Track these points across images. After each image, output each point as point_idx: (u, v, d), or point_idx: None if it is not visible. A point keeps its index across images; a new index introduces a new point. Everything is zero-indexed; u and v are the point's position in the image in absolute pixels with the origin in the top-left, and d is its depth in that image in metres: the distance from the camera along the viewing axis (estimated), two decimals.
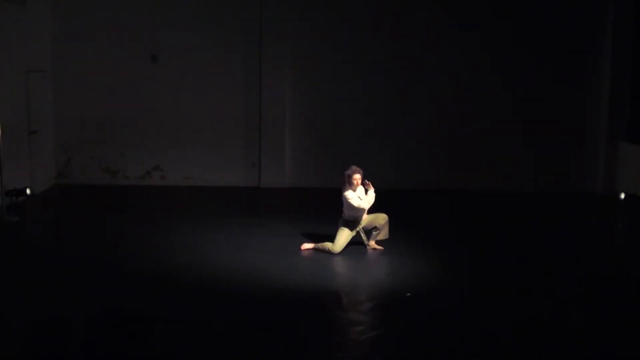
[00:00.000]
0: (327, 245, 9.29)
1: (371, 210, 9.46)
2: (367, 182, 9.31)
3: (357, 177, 9.22)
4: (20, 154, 12.08)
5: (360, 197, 9.27)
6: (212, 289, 7.89)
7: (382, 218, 9.41)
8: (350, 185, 9.23)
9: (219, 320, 6.99)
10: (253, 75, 13.71)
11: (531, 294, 7.86)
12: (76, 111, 13.75)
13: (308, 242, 9.51)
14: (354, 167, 9.30)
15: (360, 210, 9.26)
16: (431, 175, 13.74)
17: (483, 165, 13.75)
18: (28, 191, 11.51)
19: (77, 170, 13.95)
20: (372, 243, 9.49)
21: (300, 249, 9.38)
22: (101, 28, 13.59)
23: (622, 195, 12.39)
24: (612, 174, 13.42)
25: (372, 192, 9.33)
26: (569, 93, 13.69)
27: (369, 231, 9.49)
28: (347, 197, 9.18)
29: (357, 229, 9.37)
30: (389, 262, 8.99)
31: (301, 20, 13.63)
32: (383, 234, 9.44)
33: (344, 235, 9.25)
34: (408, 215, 11.80)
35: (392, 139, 13.78)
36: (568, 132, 13.75)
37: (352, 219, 9.32)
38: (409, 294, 7.71)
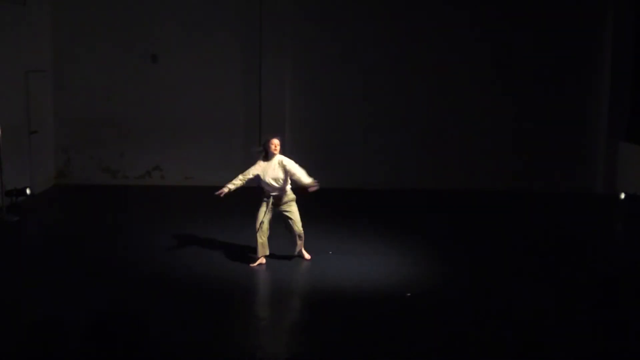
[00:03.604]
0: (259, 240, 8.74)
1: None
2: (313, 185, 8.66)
3: (276, 142, 8.62)
4: (20, 154, 12.08)
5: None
6: (212, 289, 7.90)
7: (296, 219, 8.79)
8: (267, 153, 8.64)
9: (218, 320, 6.99)
10: (253, 75, 13.71)
11: (531, 293, 7.86)
12: (76, 111, 13.75)
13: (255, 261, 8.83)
14: (271, 135, 8.78)
15: (266, 185, 8.60)
16: (431, 175, 13.72)
17: (483, 165, 13.74)
18: (28, 191, 11.51)
19: (77, 170, 13.94)
20: (303, 251, 9.01)
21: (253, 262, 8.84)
22: (101, 28, 13.60)
23: (622, 195, 12.40)
24: (612, 174, 13.42)
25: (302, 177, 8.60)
26: (569, 93, 13.69)
27: (286, 222, 8.85)
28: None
29: (271, 207, 8.71)
30: (389, 262, 8.98)
31: (301, 20, 13.63)
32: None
33: (260, 211, 8.74)
34: (407, 215, 11.81)
35: (392, 139, 13.77)
36: (568, 132, 13.75)
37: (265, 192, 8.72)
38: (409, 294, 7.71)
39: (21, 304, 7.28)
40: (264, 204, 8.75)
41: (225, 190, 8.68)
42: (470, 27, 13.57)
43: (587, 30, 13.50)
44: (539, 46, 13.54)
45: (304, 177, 8.65)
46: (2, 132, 10.67)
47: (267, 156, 8.66)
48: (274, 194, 8.70)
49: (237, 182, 8.70)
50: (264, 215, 8.73)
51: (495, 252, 9.52)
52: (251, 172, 8.70)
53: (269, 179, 8.62)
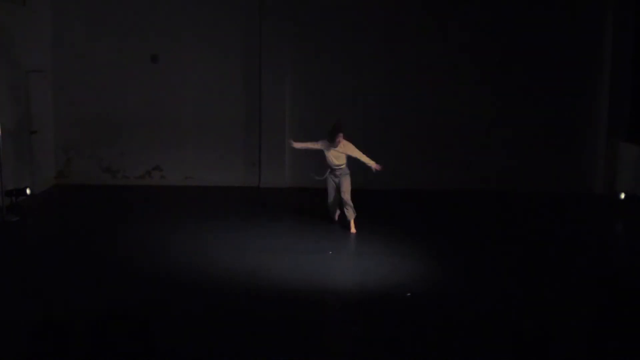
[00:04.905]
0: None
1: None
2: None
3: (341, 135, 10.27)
4: (20, 154, 12.09)
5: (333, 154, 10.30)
6: (212, 289, 7.90)
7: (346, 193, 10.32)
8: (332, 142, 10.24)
9: (218, 319, 6.99)
10: (253, 75, 13.72)
11: (530, 293, 7.86)
12: (76, 111, 13.75)
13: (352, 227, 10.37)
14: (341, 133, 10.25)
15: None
16: (430, 175, 13.74)
17: (482, 165, 13.75)
18: (28, 191, 11.51)
19: (77, 170, 13.95)
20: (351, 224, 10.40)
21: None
22: (101, 28, 13.60)
23: (622, 195, 12.40)
24: (612, 174, 13.42)
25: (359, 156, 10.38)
26: (569, 93, 13.69)
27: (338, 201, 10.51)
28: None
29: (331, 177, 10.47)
30: (389, 262, 8.99)
31: (301, 20, 13.64)
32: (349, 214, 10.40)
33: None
34: (407, 215, 11.82)
35: (391, 139, 13.77)
36: (568, 132, 13.76)
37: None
38: (409, 294, 7.72)
39: (21, 304, 7.28)
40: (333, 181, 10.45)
41: (294, 144, 10.57)
42: (469, 28, 13.58)
43: (587, 30, 13.50)
44: (539, 46, 13.55)
45: (364, 159, 10.38)
46: (2, 132, 10.66)
47: (333, 141, 10.21)
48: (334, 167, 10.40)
49: (308, 144, 10.49)
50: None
51: (494, 252, 9.53)
52: (319, 144, 10.38)
53: (331, 157, 10.35)
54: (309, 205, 11.82)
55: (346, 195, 10.29)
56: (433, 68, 13.67)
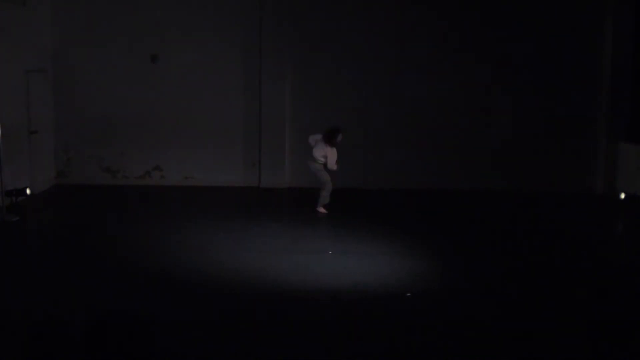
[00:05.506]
0: (323, 193, 11.40)
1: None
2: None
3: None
4: (20, 154, 12.09)
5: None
6: (212, 289, 7.90)
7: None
8: (333, 144, 11.30)
9: (219, 319, 6.99)
10: (253, 75, 13.72)
11: (530, 293, 7.86)
12: (76, 111, 13.76)
13: (321, 209, 11.47)
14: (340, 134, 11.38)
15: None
16: (431, 175, 13.75)
17: (483, 165, 13.76)
18: (28, 191, 11.51)
19: (77, 170, 13.95)
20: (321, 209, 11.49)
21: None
22: (101, 28, 13.61)
23: (622, 195, 12.40)
24: (612, 174, 13.43)
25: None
26: (569, 93, 13.70)
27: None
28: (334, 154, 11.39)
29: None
30: (389, 262, 8.99)
31: (301, 21, 13.65)
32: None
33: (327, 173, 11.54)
34: (407, 215, 11.82)
35: (391, 139, 13.79)
36: (568, 131, 13.77)
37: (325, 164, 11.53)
38: (409, 294, 7.72)
39: (21, 304, 7.28)
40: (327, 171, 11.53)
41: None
42: (470, 30, 13.58)
43: (587, 30, 13.52)
44: (540, 47, 13.56)
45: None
46: (2, 132, 10.66)
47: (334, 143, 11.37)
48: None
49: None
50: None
51: (495, 251, 9.53)
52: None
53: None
54: (309, 205, 11.82)
55: None
56: (433, 69, 13.67)
